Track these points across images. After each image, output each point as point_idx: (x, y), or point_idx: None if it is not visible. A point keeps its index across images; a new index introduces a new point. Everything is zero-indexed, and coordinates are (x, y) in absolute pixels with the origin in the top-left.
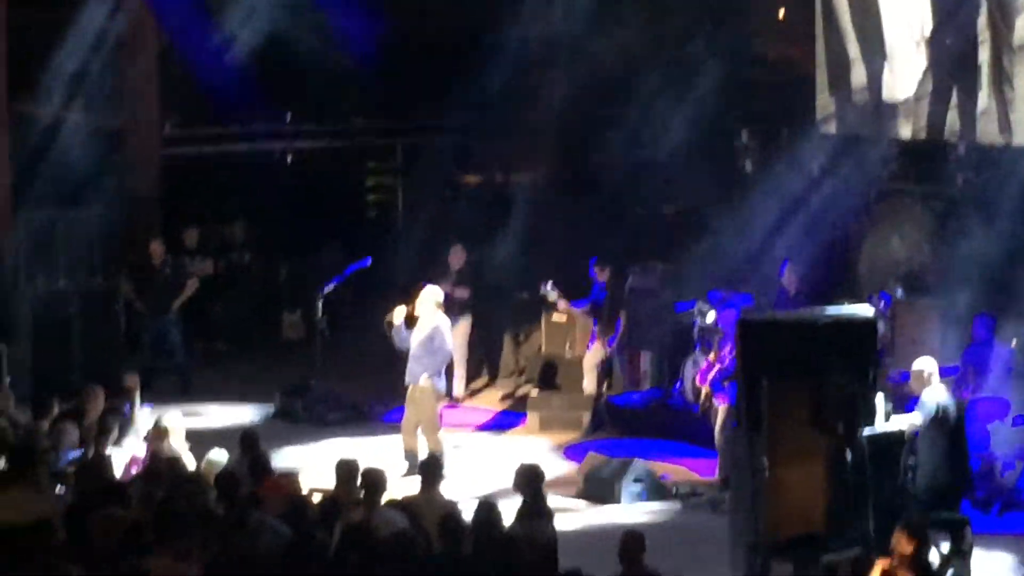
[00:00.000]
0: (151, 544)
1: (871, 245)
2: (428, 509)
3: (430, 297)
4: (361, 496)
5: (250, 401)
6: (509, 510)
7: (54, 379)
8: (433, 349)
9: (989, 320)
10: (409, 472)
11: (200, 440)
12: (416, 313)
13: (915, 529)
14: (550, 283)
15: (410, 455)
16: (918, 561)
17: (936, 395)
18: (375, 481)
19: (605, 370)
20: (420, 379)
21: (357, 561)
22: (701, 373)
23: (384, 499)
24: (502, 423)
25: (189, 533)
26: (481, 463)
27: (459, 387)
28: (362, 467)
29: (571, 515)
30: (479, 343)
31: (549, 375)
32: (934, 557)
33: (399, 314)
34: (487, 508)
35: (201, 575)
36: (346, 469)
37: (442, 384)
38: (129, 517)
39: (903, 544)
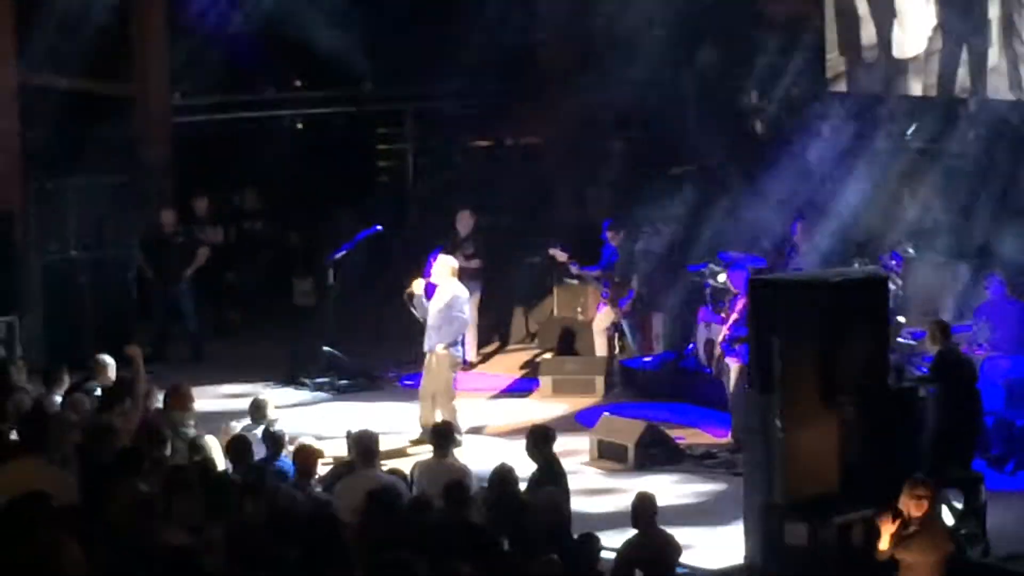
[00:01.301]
0: (162, 514)
1: (882, 203)
2: (440, 474)
3: (445, 265)
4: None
5: (261, 368)
6: (523, 475)
7: (66, 350)
8: (451, 317)
9: (1000, 277)
10: (422, 439)
11: (211, 408)
12: (434, 282)
13: (920, 487)
14: (559, 246)
15: (426, 423)
16: (929, 518)
17: (950, 353)
18: (368, 445)
19: (616, 333)
20: (436, 347)
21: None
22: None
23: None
24: (515, 388)
25: (198, 500)
26: (495, 428)
27: (471, 353)
28: (365, 434)
29: (584, 479)
30: (490, 308)
31: (561, 339)
32: (947, 515)
33: (418, 286)
34: (502, 473)
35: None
36: (357, 440)
37: (459, 352)
38: (144, 489)
39: (910, 503)
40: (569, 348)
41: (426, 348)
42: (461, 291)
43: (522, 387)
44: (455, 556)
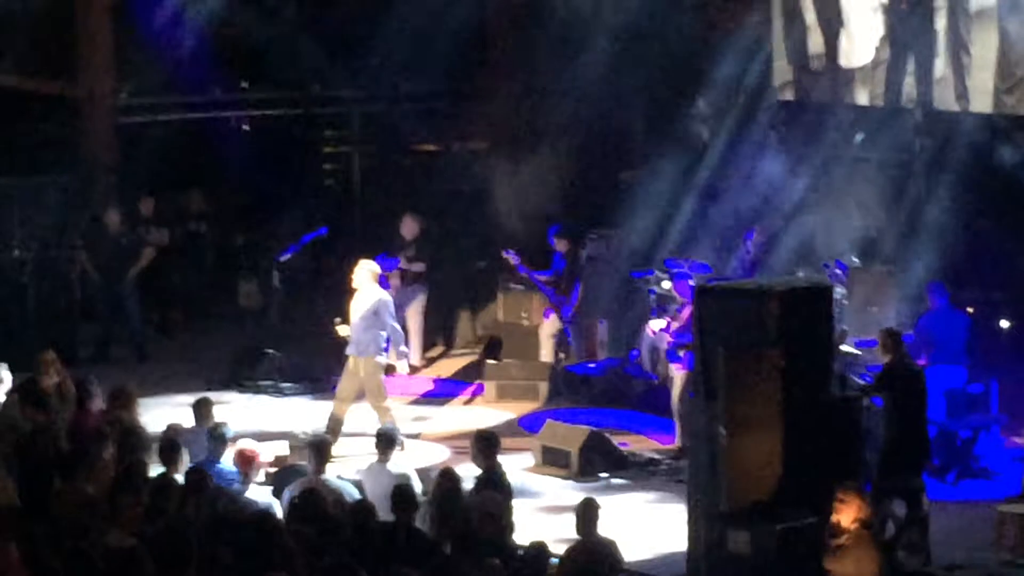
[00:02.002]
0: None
1: (827, 212)
2: (383, 479)
3: (366, 270)
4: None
5: (205, 369)
6: (467, 480)
7: (9, 350)
8: (376, 323)
9: (942, 287)
10: (327, 434)
11: (155, 409)
12: (354, 287)
13: (849, 495)
14: (512, 250)
15: (335, 422)
16: (861, 528)
17: (900, 363)
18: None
19: (561, 339)
20: (364, 355)
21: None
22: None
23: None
24: (459, 393)
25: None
26: (438, 433)
27: (415, 357)
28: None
29: (528, 484)
30: (435, 312)
31: (506, 344)
32: (890, 525)
33: (343, 330)
34: (445, 478)
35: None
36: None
37: (384, 358)
38: (87, 491)
39: (840, 512)
40: (510, 352)
41: (348, 352)
42: (384, 295)
43: (466, 391)
44: (399, 561)
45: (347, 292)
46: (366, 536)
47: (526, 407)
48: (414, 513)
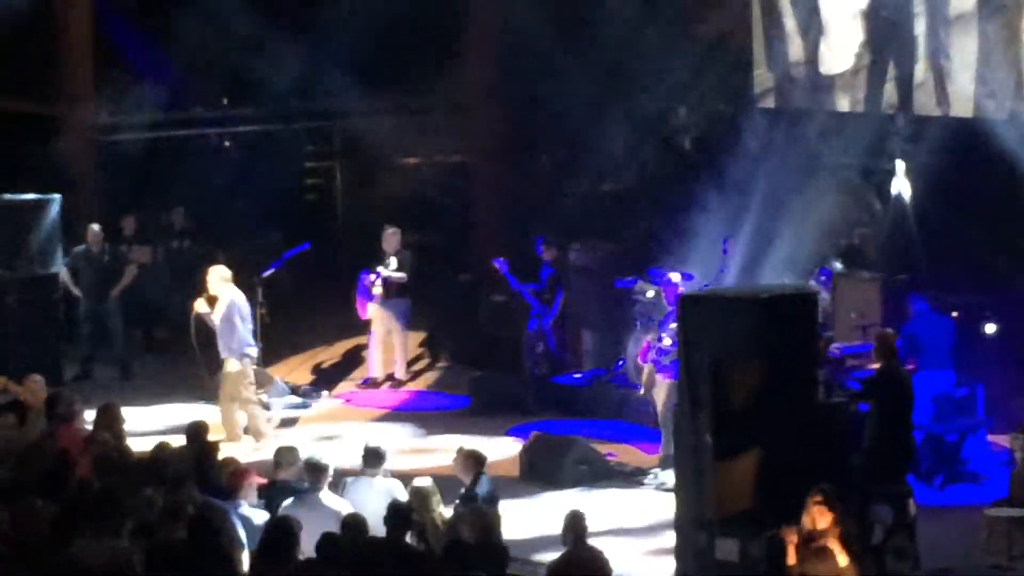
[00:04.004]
0: (82, 529)
1: (810, 219)
2: (371, 493)
3: (217, 275)
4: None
5: (190, 387)
6: (452, 493)
7: None
8: (232, 325)
9: (921, 294)
10: (228, 440)
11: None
12: (211, 293)
13: (822, 498)
14: (501, 260)
15: (228, 425)
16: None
17: (891, 369)
18: (317, 467)
19: (546, 350)
20: (224, 357)
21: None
22: (642, 351)
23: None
24: (444, 405)
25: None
26: (424, 445)
27: (400, 370)
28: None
29: (515, 496)
30: (418, 325)
31: (491, 356)
32: (878, 530)
33: (200, 304)
34: (422, 493)
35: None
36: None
37: (249, 359)
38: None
39: (814, 516)
40: (495, 363)
41: (223, 356)
42: (237, 296)
43: (452, 404)
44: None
45: (330, 307)
46: (357, 552)
47: (512, 418)
48: (407, 531)
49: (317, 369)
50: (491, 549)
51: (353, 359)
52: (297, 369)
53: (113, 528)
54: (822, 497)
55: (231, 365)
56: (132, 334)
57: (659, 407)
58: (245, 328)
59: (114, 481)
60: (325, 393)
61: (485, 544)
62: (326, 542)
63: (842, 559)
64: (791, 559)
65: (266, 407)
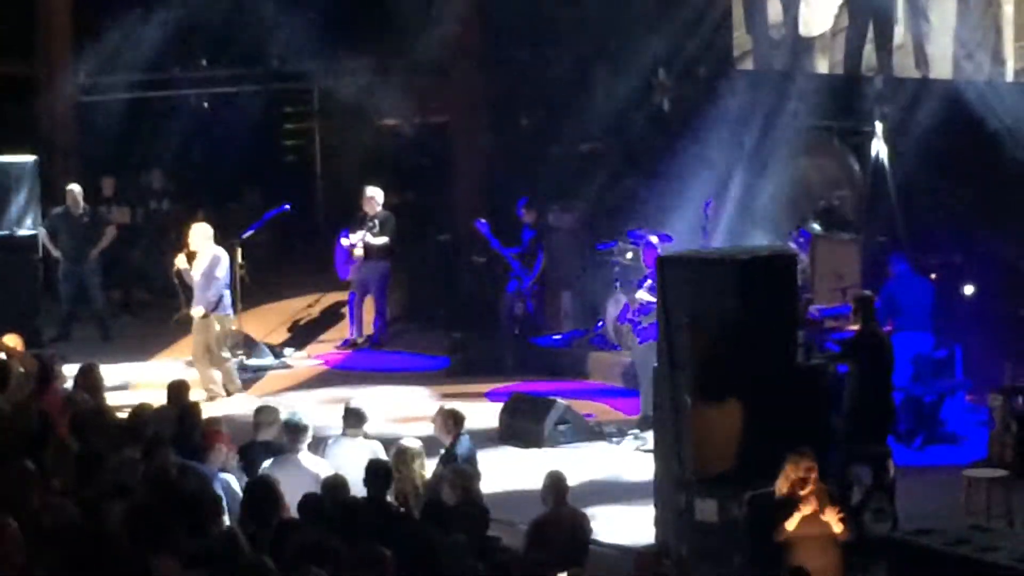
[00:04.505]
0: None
1: (789, 181)
2: (353, 453)
3: (200, 232)
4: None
5: (169, 348)
6: (432, 454)
7: None
8: (210, 280)
9: (902, 255)
10: (208, 397)
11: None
12: (193, 249)
13: (803, 460)
14: (482, 222)
15: (206, 379)
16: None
17: (870, 330)
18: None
19: (524, 311)
20: (197, 310)
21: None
22: (621, 313)
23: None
24: (424, 367)
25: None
26: (405, 408)
27: (380, 331)
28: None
29: (495, 457)
30: (398, 287)
31: (471, 318)
32: (856, 491)
33: (181, 260)
34: (404, 453)
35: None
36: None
37: (227, 312)
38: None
39: (795, 479)
40: (475, 325)
41: (194, 311)
42: (220, 252)
43: (431, 366)
44: (370, 537)
45: (309, 268)
46: (341, 511)
47: (492, 380)
48: (387, 490)
49: (295, 329)
50: (471, 510)
51: (332, 320)
52: (276, 330)
53: (93, 489)
54: (806, 457)
55: (197, 312)
56: (111, 295)
57: (637, 368)
58: (224, 285)
59: (94, 442)
60: (303, 354)
61: (465, 505)
62: (307, 502)
63: (836, 526)
64: (792, 525)
65: (244, 368)
